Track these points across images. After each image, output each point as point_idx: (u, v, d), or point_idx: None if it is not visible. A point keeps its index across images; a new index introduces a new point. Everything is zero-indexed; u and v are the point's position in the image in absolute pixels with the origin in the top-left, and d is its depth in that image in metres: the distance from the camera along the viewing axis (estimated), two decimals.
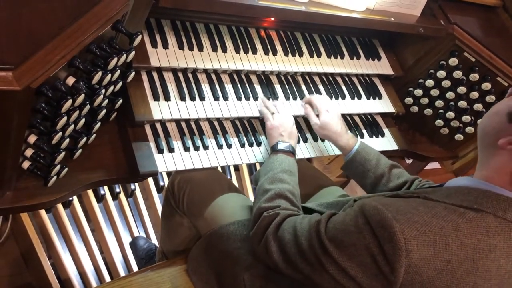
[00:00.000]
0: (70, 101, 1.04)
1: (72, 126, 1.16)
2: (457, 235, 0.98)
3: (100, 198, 2.16)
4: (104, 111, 1.28)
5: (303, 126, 1.77)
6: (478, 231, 1.00)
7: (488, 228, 1.01)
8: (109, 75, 1.17)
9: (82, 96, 1.07)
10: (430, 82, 1.98)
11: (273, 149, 1.50)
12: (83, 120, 1.21)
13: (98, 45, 1.16)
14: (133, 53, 1.24)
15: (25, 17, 0.99)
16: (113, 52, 1.17)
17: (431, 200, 1.05)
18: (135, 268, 2.12)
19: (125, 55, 1.19)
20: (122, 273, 2.10)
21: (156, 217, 2.30)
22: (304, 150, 1.70)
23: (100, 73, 1.10)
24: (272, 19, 1.70)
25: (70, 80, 1.10)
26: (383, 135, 1.95)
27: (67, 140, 1.20)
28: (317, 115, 1.66)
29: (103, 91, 1.19)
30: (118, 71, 1.22)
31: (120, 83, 1.30)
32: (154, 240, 2.27)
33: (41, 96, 1.01)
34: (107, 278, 2.06)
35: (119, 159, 1.44)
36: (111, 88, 1.27)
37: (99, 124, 1.32)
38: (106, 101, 1.30)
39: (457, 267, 0.99)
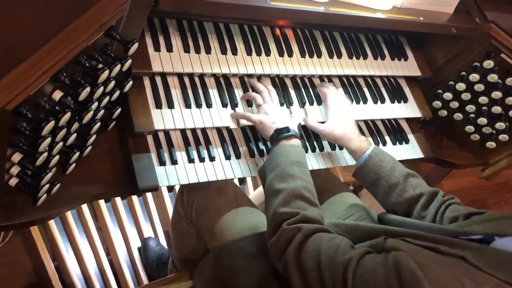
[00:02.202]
0: (52, 123, 0.93)
1: (61, 143, 1.06)
2: None
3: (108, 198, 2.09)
4: (99, 124, 1.18)
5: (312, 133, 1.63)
6: None
7: None
8: (101, 88, 1.06)
9: (68, 114, 0.97)
10: (461, 86, 1.82)
11: (272, 140, 1.36)
12: (74, 135, 1.11)
13: (90, 54, 1.04)
14: (129, 61, 1.12)
15: (1, 29, 0.88)
16: (106, 63, 1.06)
17: (479, 270, 0.86)
18: (141, 271, 2.05)
19: (119, 66, 1.08)
20: (128, 276, 2.03)
21: (166, 216, 2.22)
22: (313, 161, 1.56)
23: (88, 89, 0.99)
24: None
25: (57, 95, 0.99)
26: (407, 141, 1.80)
27: (57, 157, 1.10)
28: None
29: (94, 105, 1.08)
30: (113, 82, 1.11)
31: (118, 93, 1.19)
32: (162, 238, 2.19)
33: (20, 116, 0.91)
34: (112, 282, 1.99)
35: (118, 170, 1.34)
36: (106, 98, 1.16)
37: (94, 136, 1.22)
38: (102, 111, 1.20)
39: None
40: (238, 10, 1.21)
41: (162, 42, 1.36)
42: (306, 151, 1.56)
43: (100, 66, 1.05)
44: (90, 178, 1.30)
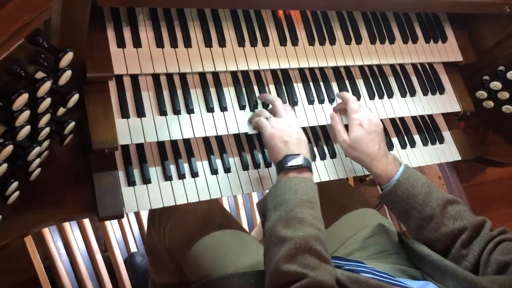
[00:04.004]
0: None
1: None
2: None
3: None
4: (39, 148, 0.95)
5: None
6: None
7: None
8: (26, 112, 0.83)
9: None
10: None
11: (280, 167, 1.09)
12: (4, 166, 0.90)
13: (9, 69, 0.81)
14: (68, 73, 0.88)
15: None
16: (30, 79, 0.82)
17: None
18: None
19: (49, 83, 0.83)
20: (125, 275, 1.88)
21: None
22: (322, 171, 1.29)
23: None
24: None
25: None
26: (442, 141, 1.50)
27: None
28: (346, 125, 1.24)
29: (24, 131, 0.86)
30: (48, 100, 0.88)
31: (63, 109, 0.96)
32: None
33: None
34: (107, 282, 1.84)
35: (79, 189, 1.13)
36: (46, 117, 0.93)
37: (38, 159, 1.00)
38: (47, 130, 0.97)
39: None
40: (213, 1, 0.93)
41: (128, 36, 1.10)
42: (314, 159, 1.30)
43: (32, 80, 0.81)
44: (44, 202, 1.09)
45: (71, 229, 1.84)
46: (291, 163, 1.07)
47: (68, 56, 0.84)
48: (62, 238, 1.84)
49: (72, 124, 1.03)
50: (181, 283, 1.33)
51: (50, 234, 1.79)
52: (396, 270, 1.13)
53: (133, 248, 1.95)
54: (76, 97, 0.94)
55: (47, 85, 0.83)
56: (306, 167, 1.07)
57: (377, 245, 1.26)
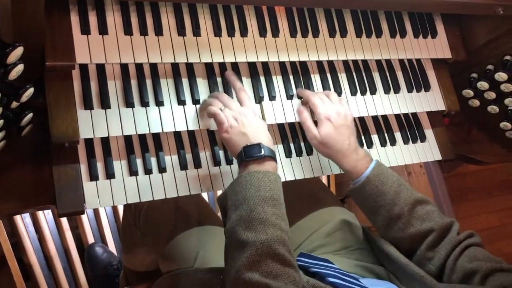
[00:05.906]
0: None
1: None
2: None
3: None
4: None
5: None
6: None
7: None
8: None
9: None
10: (501, 76, 1.41)
11: (240, 160, 1.02)
12: None
13: None
14: (19, 68, 0.81)
15: None
16: None
17: None
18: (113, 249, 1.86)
19: None
20: None
21: None
22: (287, 169, 1.23)
23: None
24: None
25: None
26: (423, 139, 1.45)
27: None
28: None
29: None
30: None
31: (17, 103, 0.89)
32: None
33: None
34: (77, 261, 1.81)
35: (39, 181, 1.07)
36: None
37: None
38: (1, 122, 0.90)
39: None
40: None
41: (94, 21, 1.02)
42: (289, 156, 1.25)
43: None
44: (2, 194, 1.04)
45: None
46: (252, 152, 1.00)
47: (17, 52, 0.77)
48: (30, 213, 1.79)
49: (30, 115, 0.97)
50: (154, 271, 1.31)
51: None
52: (361, 268, 1.12)
53: (106, 225, 1.91)
54: (30, 91, 0.87)
55: None
56: (268, 157, 1.01)
57: (340, 241, 1.25)
